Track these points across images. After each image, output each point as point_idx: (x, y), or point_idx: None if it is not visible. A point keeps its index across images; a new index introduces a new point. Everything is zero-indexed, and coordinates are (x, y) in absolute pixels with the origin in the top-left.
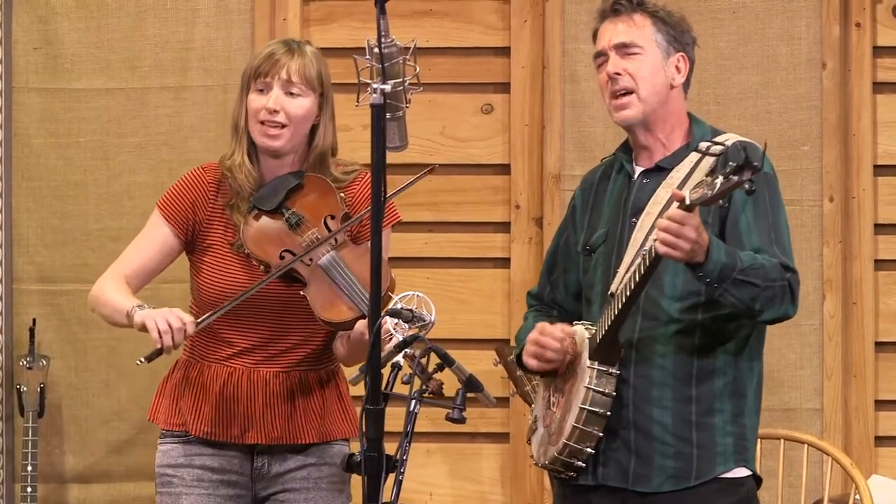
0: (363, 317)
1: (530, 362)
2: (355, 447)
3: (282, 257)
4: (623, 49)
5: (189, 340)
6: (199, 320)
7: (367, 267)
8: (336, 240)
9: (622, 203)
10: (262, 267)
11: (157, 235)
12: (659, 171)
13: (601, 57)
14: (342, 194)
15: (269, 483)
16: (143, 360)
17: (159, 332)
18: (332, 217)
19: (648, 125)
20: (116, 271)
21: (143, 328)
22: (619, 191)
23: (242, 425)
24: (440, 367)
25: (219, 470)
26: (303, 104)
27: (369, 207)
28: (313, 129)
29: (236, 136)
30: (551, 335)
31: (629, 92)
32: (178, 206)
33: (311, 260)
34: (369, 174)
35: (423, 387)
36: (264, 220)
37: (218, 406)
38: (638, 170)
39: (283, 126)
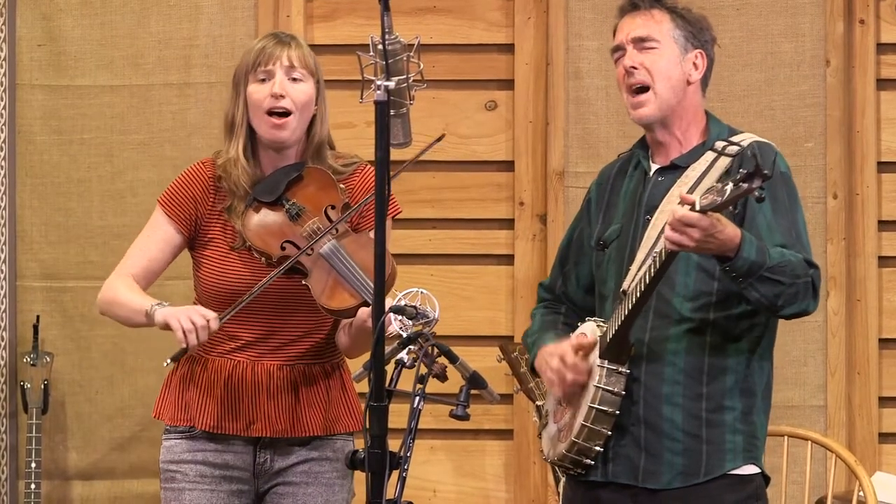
0: (366, 304)
1: (555, 390)
2: (359, 442)
3: (283, 248)
4: (640, 43)
5: None
6: (221, 315)
7: (368, 255)
8: (337, 229)
9: (637, 200)
10: (262, 259)
11: (161, 234)
12: (674, 169)
13: (619, 51)
14: (342, 185)
15: (272, 478)
16: (169, 360)
17: (184, 332)
18: (333, 207)
19: (666, 122)
20: (124, 272)
21: (166, 327)
22: (634, 187)
23: (247, 418)
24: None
25: (221, 465)
26: (305, 89)
27: (369, 195)
28: (311, 120)
29: (232, 132)
30: (575, 369)
31: (645, 88)
32: (181, 203)
33: (311, 250)
34: (370, 166)
35: (428, 371)
36: (265, 212)
37: (223, 399)
38: (654, 167)
39: (289, 113)
